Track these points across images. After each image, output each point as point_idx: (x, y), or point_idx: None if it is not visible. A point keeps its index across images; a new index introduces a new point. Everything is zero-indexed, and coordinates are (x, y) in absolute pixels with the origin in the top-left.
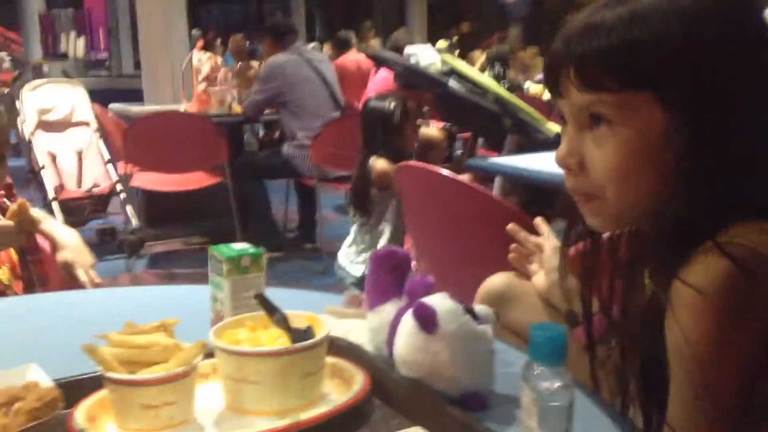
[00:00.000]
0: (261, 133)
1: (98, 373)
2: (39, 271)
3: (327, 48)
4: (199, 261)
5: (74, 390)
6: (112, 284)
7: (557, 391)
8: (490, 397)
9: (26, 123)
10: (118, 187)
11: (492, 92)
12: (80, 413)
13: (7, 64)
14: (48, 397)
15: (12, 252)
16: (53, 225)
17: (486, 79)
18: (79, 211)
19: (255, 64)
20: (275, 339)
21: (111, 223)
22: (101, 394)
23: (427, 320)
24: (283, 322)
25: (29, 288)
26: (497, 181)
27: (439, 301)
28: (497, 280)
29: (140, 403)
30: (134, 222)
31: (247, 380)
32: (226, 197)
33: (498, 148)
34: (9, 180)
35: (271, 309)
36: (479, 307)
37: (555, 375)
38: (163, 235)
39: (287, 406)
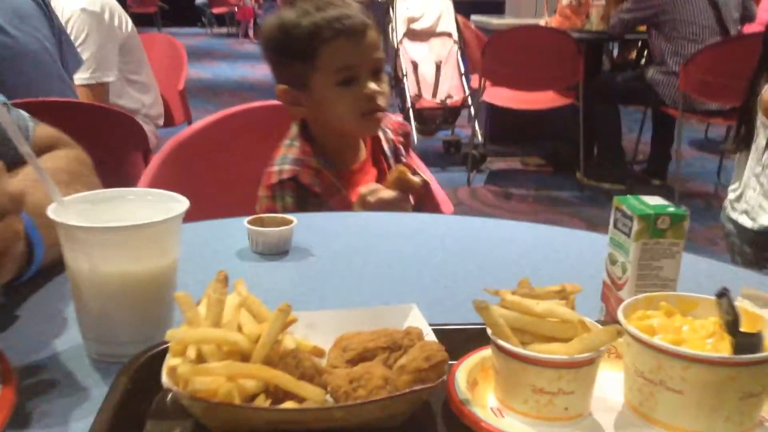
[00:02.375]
0: (615, 52)
1: (482, 327)
2: None
3: None
4: (535, 182)
5: (450, 341)
6: (452, 196)
7: None
8: None
9: (396, 31)
10: (469, 100)
11: None
12: (461, 376)
13: None
14: (436, 359)
15: None
16: None
17: None
18: (431, 121)
19: None
20: (702, 336)
21: (457, 136)
22: (483, 354)
23: None
24: (733, 325)
25: None
26: None
27: None
28: None
29: (530, 384)
30: (479, 137)
31: (665, 385)
32: (571, 119)
33: None
34: (404, 125)
35: (728, 308)
36: None
37: None
38: (503, 153)
39: (714, 430)
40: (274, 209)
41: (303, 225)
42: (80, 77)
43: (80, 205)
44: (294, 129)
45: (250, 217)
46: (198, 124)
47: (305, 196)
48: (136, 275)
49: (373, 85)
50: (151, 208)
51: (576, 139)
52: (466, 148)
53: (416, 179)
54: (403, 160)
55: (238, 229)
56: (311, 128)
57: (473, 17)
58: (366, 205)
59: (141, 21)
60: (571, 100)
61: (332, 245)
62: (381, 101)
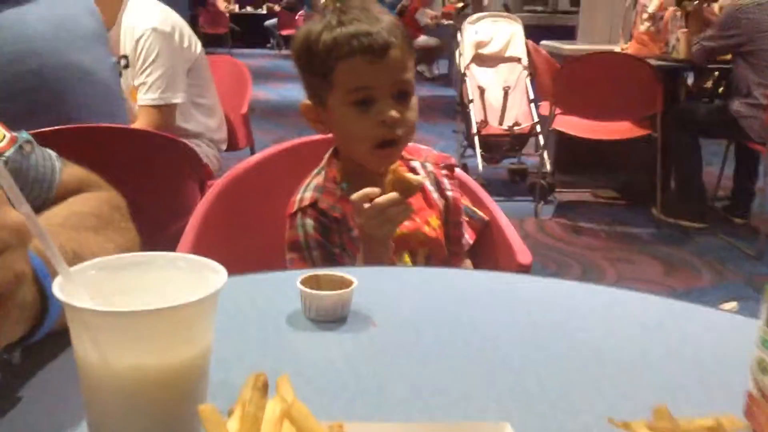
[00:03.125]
0: (689, 80)
1: None
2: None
3: None
4: (606, 216)
5: None
6: (519, 228)
7: None
8: None
9: (463, 56)
10: (537, 128)
11: None
12: None
13: None
14: None
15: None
16: None
17: None
18: (497, 148)
19: (712, 5)
20: None
21: (524, 164)
22: None
23: None
24: None
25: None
26: None
27: None
28: None
29: None
30: (548, 166)
31: None
32: (646, 150)
33: None
34: (447, 157)
35: None
36: None
37: None
38: (572, 183)
39: None
40: (297, 239)
41: (364, 283)
42: (149, 98)
43: (94, 272)
44: (326, 156)
45: (303, 275)
46: (256, 156)
47: (326, 221)
48: (158, 370)
49: (392, 112)
50: (182, 278)
51: (651, 171)
52: (533, 177)
53: (414, 177)
54: (449, 194)
55: (290, 285)
56: (340, 151)
57: (543, 42)
58: (361, 214)
59: (212, 42)
60: (648, 131)
61: (397, 311)
62: (399, 130)
